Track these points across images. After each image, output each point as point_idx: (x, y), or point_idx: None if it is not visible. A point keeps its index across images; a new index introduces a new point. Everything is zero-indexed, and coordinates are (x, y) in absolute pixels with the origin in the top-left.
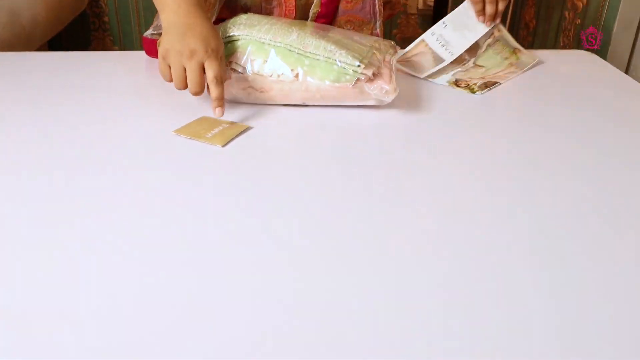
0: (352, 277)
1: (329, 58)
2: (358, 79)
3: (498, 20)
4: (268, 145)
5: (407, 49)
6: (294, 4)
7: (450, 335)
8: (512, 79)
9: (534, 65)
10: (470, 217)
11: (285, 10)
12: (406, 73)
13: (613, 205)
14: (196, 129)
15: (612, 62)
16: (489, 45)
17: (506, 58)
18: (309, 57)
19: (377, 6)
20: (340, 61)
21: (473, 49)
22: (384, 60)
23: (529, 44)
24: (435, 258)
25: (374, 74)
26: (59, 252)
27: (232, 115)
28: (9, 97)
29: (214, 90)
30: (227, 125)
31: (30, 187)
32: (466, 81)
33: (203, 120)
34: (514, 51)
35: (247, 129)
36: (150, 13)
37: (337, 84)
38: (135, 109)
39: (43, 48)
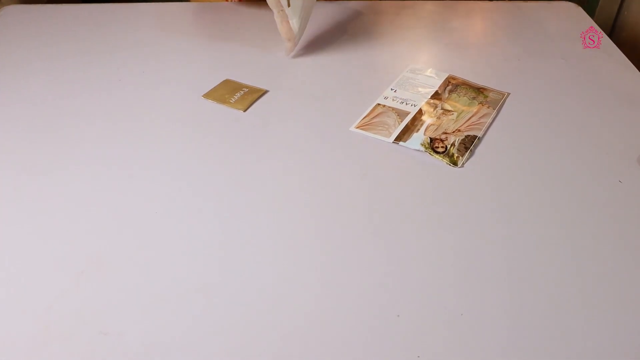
0: (361, 239)
1: None
2: None
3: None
4: (282, 109)
5: (363, 114)
6: None
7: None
8: (490, 124)
9: (505, 100)
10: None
11: None
12: (372, 139)
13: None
14: (221, 93)
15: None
16: (450, 91)
17: (474, 98)
18: None
19: None
20: None
21: (437, 96)
22: None
23: None
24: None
25: None
26: (105, 208)
27: (250, 78)
28: (37, 50)
29: None
30: (247, 90)
31: (65, 149)
32: (441, 140)
33: (226, 83)
34: (480, 90)
35: (264, 93)
36: None
37: None
38: (166, 71)
39: None
